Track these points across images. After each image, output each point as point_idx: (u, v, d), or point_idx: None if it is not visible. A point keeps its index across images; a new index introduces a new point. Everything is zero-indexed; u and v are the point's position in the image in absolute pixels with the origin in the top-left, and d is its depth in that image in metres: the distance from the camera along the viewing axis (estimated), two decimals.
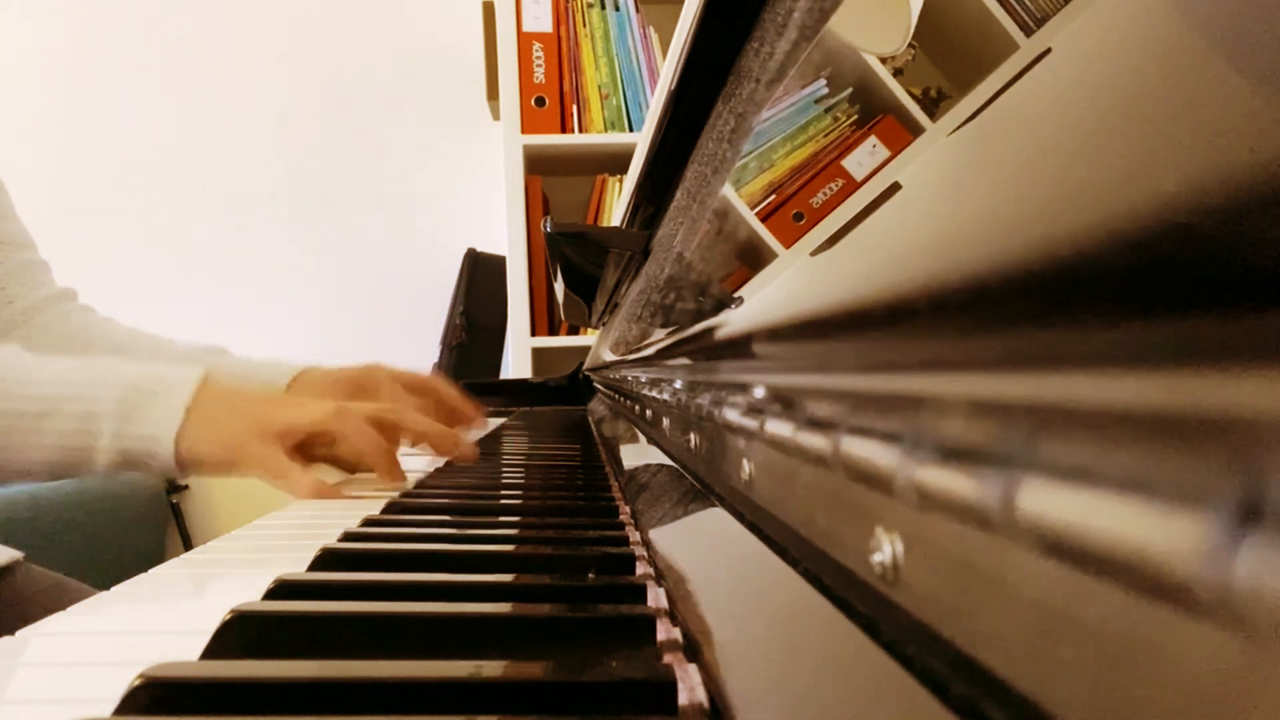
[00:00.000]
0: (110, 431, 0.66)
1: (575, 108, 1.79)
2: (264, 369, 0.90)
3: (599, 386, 1.33)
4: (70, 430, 0.66)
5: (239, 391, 0.73)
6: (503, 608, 0.30)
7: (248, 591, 0.32)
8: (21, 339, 0.91)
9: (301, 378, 0.89)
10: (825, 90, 0.29)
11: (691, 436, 0.40)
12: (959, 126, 0.18)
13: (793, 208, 0.31)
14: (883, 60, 0.24)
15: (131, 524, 2.14)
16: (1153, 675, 0.09)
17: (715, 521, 0.33)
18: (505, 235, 1.79)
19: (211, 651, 0.28)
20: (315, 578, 0.35)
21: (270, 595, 0.33)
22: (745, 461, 0.29)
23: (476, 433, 1.10)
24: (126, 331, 0.97)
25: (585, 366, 1.60)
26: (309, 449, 0.69)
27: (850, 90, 0.26)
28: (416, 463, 0.82)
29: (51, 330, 0.93)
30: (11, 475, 0.67)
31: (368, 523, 0.48)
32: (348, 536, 0.44)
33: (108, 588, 0.40)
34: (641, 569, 0.38)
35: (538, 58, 1.79)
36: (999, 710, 0.13)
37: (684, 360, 0.47)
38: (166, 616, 0.36)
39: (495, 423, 1.31)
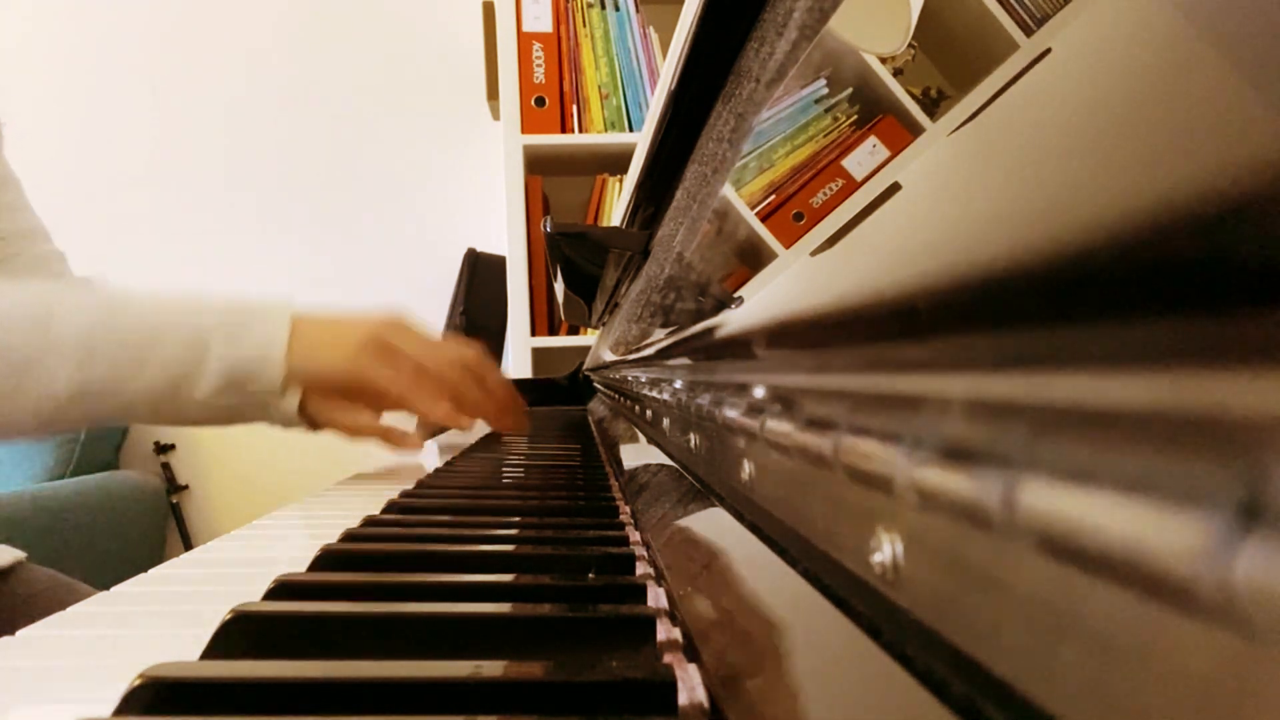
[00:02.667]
0: (218, 353, 0.67)
1: (575, 108, 1.79)
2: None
3: (599, 386, 1.33)
4: (176, 356, 0.66)
5: (340, 314, 0.73)
6: (503, 608, 0.30)
7: (248, 591, 0.32)
8: None
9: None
10: (825, 90, 0.29)
11: (691, 436, 0.40)
12: (959, 126, 0.18)
13: (793, 208, 0.31)
14: (883, 60, 0.24)
15: (131, 524, 2.15)
16: (1153, 675, 0.09)
17: (715, 521, 0.33)
18: (505, 235, 1.79)
19: (211, 651, 0.28)
20: (315, 578, 0.35)
21: (270, 595, 0.33)
22: (745, 461, 0.29)
23: (476, 433, 1.10)
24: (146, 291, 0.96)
25: (585, 366, 1.60)
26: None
27: (850, 90, 0.26)
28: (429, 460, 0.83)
29: None
30: (116, 409, 0.67)
31: (368, 522, 0.48)
32: (348, 536, 0.44)
33: (108, 588, 0.40)
34: (641, 569, 0.38)
35: (538, 58, 1.79)
36: (999, 710, 0.13)
37: (684, 360, 0.47)
38: (166, 616, 0.36)
39: None
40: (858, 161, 0.25)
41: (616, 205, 1.37)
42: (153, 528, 2.26)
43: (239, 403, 0.70)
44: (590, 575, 0.36)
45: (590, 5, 1.83)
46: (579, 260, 0.84)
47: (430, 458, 0.93)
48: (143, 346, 0.66)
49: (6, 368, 0.63)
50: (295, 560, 0.40)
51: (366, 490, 0.71)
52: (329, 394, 0.73)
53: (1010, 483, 0.12)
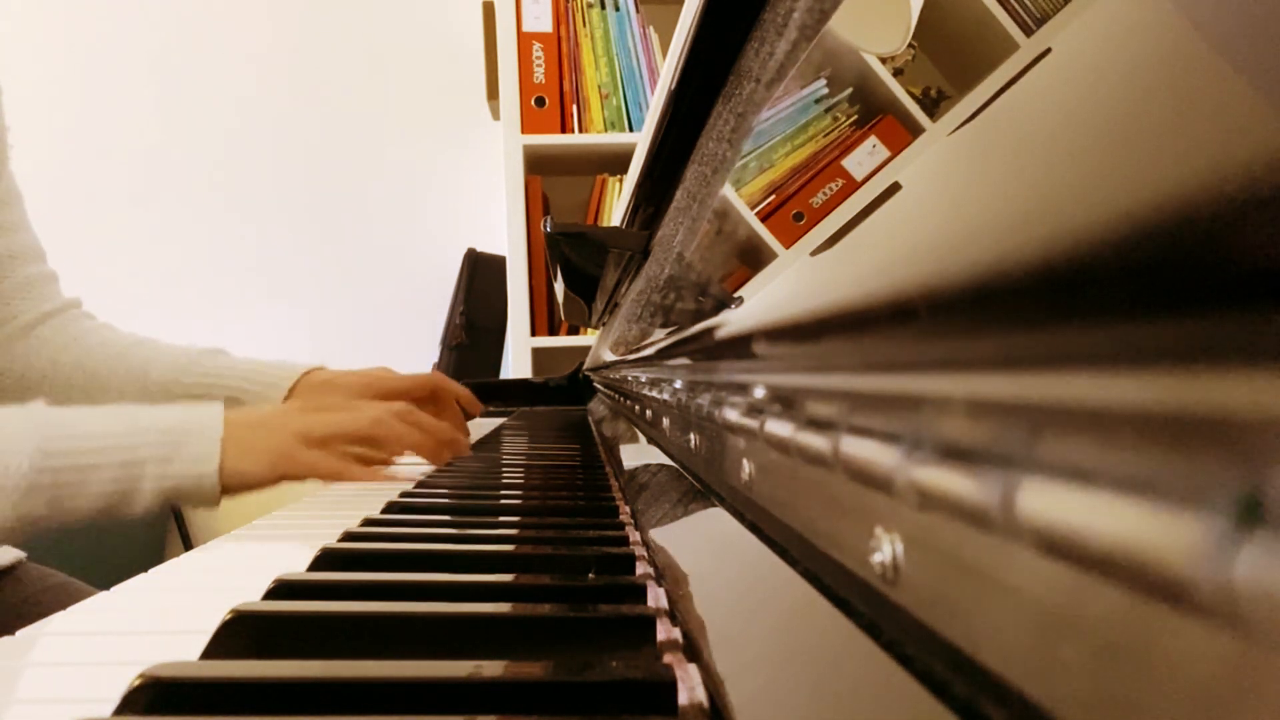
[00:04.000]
0: (153, 474, 0.72)
1: (575, 108, 1.79)
2: (270, 369, 0.92)
3: (599, 386, 1.33)
4: (113, 478, 0.71)
5: (265, 412, 0.79)
6: (503, 608, 0.30)
7: (249, 591, 0.32)
8: (21, 354, 0.91)
9: (307, 379, 0.91)
10: (825, 90, 0.29)
11: (691, 436, 0.40)
12: (959, 126, 0.18)
13: (793, 208, 0.31)
14: (883, 60, 0.24)
15: (131, 524, 2.14)
16: (1153, 675, 0.09)
17: (715, 521, 0.33)
18: (505, 235, 1.79)
19: (211, 651, 0.28)
20: (315, 577, 0.35)
21: (270, 595, 0.33)
22: (745, 461, 0.29)
23: (476, 434, 1.10)
24: (124, 337, 0.98)
25: (585, 366, 1.60)
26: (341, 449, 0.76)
27: (850, 90, 0.26)
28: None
29: (50, 342, 0.93)
30: (57, 524, 0.71)
31: (368, 522, 0.48)
32: (348, 536, 0.44)
33: (108, 588, 0.40)
34: (641, 569, 0.38)
35: (538, 58, 1.79)
36: (999, 710, 0.13)
37: (684, 360, 0.47)
38: (167, 616, 0.36)
39: (495, 423, 1.31)
40: (858, 161, 0.25)
41: (616, 205, 1.37)
42: (153, 528, 2.26)
43: (190, 503, 0.76)
44: (590, 575, 0.36)
45: (590, 5, 1.83)
46: (579, 260, 0.84)
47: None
48: (79, 475, 0.70)
49: None
50: (297, 559, 0.40)
51: (370, 489, 0.71)
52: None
53: (1010, 483, 0.12)
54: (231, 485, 0.74)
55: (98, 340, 0.96)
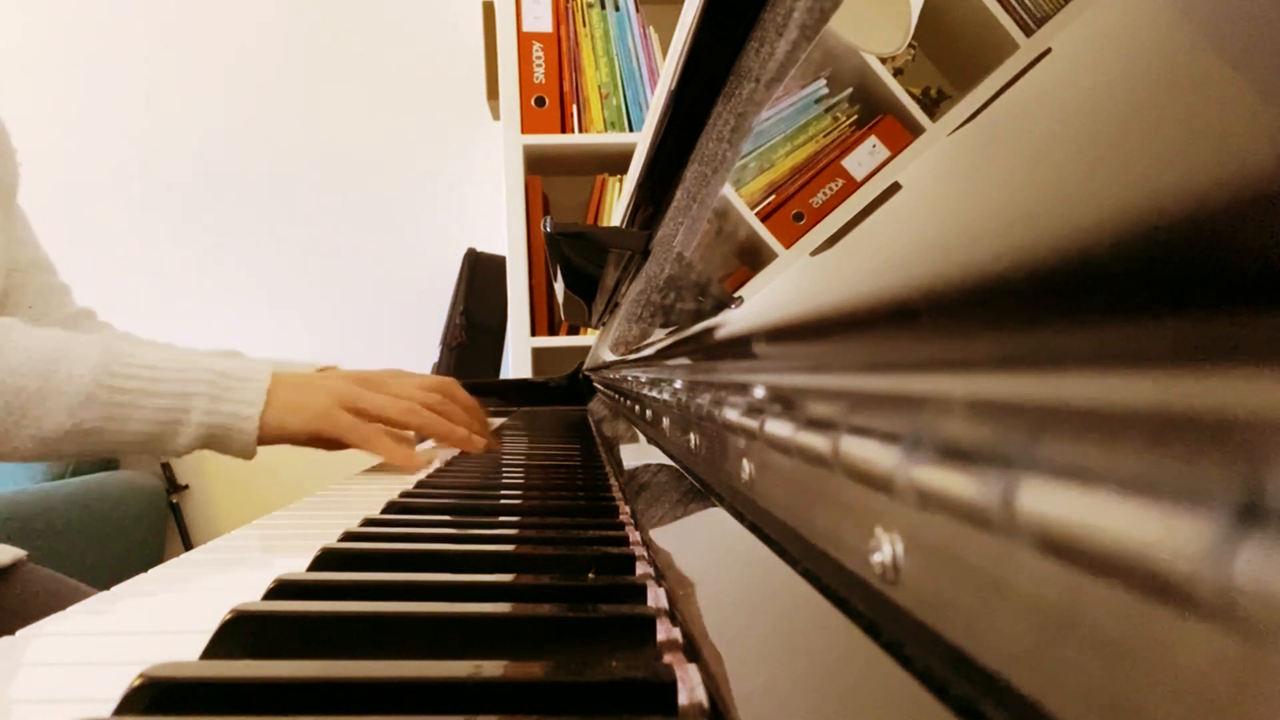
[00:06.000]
0: (200, 409, 0.77)
1: (575, 108, 1.79)
2: (285, 368, 0.94)
3: (599, 386, 1.33)
4: (165, 407, 0.76)
5: (310, 375, 0.85)
6: (503, 608, 0.30)
7: (248, 590, 0.32)
8: None
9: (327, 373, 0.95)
10: (825, 90, 0.29)
11: (691, 436, 0.40)
12: (959, 126, 0.18)
13: (793, 208, 0.31)
14: (883, 60, 0.24)
15: (131, 524, 2.14)
16: (1153, 675, 0.09)
17: (715, 521, 0.33)
18: (505, 235, 1.79)
19: (211, 651, 0.28)
20: (315, 578, 0.35)
21: (270, 595, 0.33)
22: (745, 461, 0.29)
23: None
24: (143, 344, 1.01)
25: (585, 366, 1.60)
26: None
27: (850, 90, 0.26)
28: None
29: None
30: (108, 446, 0.77)
31: (367, 522, 0.48)
32: (347, 536, 0.44)
33: (108, 588, 0.40)
34: (641, 569, 0.38)
35: (538, 58, 1.79)
36: (999, 710, 0.13)
37: (684, 360, 0.47)
38: (167, 616, 0.36)
39: (496, 423, 1.31)
40: (858, 161, 0.25)
41: (616, 205, 1.37)
42: (153, 528, 2.26)
43: (224, 447, 0.80)
44: (590, 575, 0.36)
45: (590, 5, 1.83)
46: (579, 260, 0.84)
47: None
48: (133, 399, 0.76)
49: (13, 406, 0.73)
50: (301, 553, 0.40)
51: (370, 489, 0.71)
52: (299, 443, 0.84)
53: (1010, 483, 0.12)
54: (268, 435, 0.80)
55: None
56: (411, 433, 0.90)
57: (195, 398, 0.77)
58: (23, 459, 0.76)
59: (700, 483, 0.40)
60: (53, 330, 0.77)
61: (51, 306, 1.00)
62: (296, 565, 0.38)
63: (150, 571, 0.43)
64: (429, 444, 1.00)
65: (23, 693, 0.28)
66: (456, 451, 0.92)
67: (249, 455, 0.81)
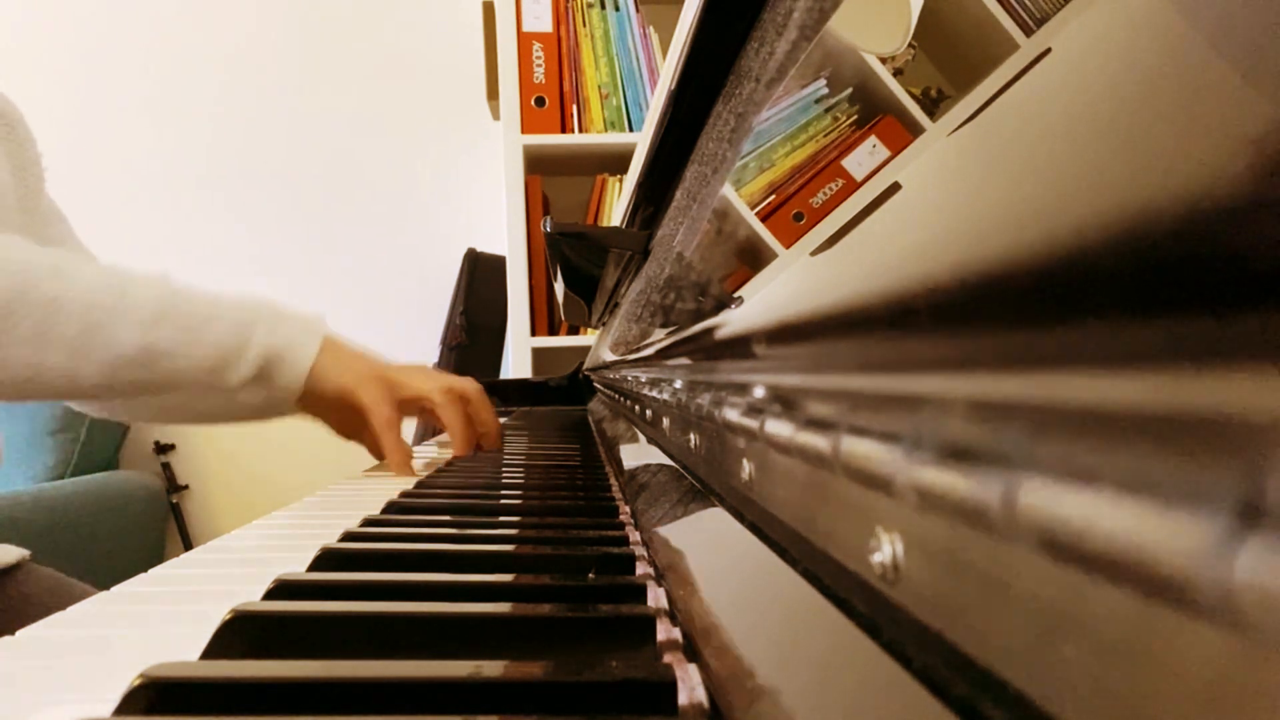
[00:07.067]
0: (261, 340, 0.78)
1: (575, 108, 1.79)
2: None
3: (599, 386, 1.33)
4: (230, 330, 0.77)
5: (356, 347, 0.86)
6: (503, 608, 0.30)
7: (249, 591, 0.32)
8: None
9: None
10: (825, 90, 0.29)
11: (691, 436, 0.40)
12: (959, 126, 0.18)
13: (793, 208, 0.31)
14: (883, 60, 0.24)
15: (131, 524, 2.14)
16: (1152, 675, 0.09)
17: (715, 521, 0.33)
18: (505, 235, 1.79)
19: (211, 651, 0.28)
20: (315, 578, 0.35)
21: (270, 595, 0.33)
22: (745, 461, 0.29)
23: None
24: None
25: (585, 366, 1.60)
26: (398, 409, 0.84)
27: (850, 90, 0.26)
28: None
29: None
30: (167, 377, 0.76)
31: (367, 522, 0.48)
32: (347, 536, 0.44)
33: (108, 588, 0.40)
34: (641, 569, 0.38)
35: (538, 58, 1.79)
36: (999, 710, 0.13)
37: (684, 360, 0.47)
38: (166, 616, 0.36)
39: None
40: (858, 161, 0.25)
41: (616, 205, 1.37)
42: (153, 528, 2.26)
43: (257, 401, 0.81)
44: (590, 575, 0.36)
45: (590, 5, 1.83)
46: (579, 260, 0.84)
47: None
48: (200, 322, 0.76)
49: (84, 324, 0.71)
50: (301, 553, 0.40)
51: (369, 489, 0.71)
52: (328, 406, 0.86)
53: (1010, 483, 0.12)
54: (312, 381, 0.80)
55: None
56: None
57: (258, 323, 0.78)
58: (83, 391, 0.73)
59: (700, 483, 0.40)
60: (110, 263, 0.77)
61: None
62: (296, 565, 0.38)
63: (150, 571, 0.43)
64: (429, 444, 1.01)
65: (23, 693, 0.28)
66: (451, 453, 0.92)
67: (295, 390, 0.81)
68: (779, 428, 0.23)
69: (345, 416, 0.85)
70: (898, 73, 0.23)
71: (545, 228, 0.83)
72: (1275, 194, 0.08)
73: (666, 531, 0.40)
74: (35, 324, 0.69)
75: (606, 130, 1.79)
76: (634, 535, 0.45)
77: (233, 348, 0.77)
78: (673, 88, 0.48)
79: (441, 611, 0.29)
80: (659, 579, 0.35)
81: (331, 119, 2.49)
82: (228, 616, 0.28)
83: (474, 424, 0.89)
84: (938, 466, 0.14)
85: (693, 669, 0.25)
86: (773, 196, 0.33)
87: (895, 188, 0.21)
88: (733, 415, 0.29)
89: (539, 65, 1.78)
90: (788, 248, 0.31)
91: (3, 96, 0.92)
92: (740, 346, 0.31)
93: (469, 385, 0.90)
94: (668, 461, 0.51)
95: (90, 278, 0.72)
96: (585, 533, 0.46)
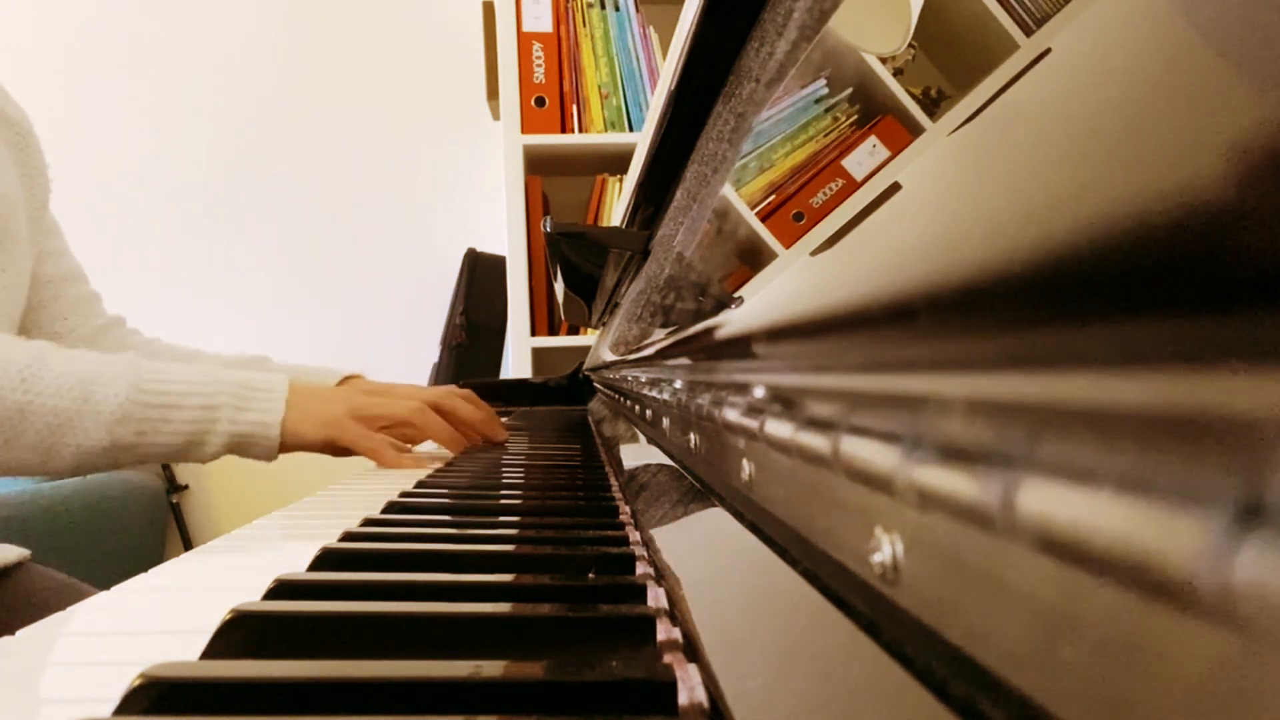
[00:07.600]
0: (226, 419, 0.83)
1: (575, 108, 1.79)
2: (313, 374, 1.02)
3: (599, 386, 1.33)
4: (193, 419, 0.82)
5: (324, 388, 0.91)
6: (503, 608, 0.30)
7: (249, 591, 0.32)
8: None
9: (346, 383, 1.01)
10: (825, 90, 0.29)
11: (691, 436, 0.40)
12: (959, 126, 0.18)
13: (793, 208, 0.31)
14: (883, 60, 0.24)
15: (131, 524, 2.14)
16: (1152, 675, 0.09)
17: (715, 521, 0.33)
18: (505, 235, 1.79)
19: (211, 651, 0.28)
20: (315, 577, 0.35)
21: (270, 595, 0.33)
22: (745, 461, 0.29)
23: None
24: (171, 348, 1.09)
25: (585, 366, 1.60)
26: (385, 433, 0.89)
27: (850, 90, 0.26)
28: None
29: (107, 353, 0.98)
30: (140, 458, 0.82)
31: (367, 522, 0.48)
32: (348, 536, 0.44)
33: (108, 588, 0.40)
34: (641, 569, 0.38)
35: (538, 58, 1.79)
36: (999, 710, 0.13)
37: (684, 360, 0.47)
38: (167, 616, 0.36)
39: None
40: (858, 161, 0.25)
41: (616, 205, 1.37)
42: (153, 528, 2.26)
43: (248, 452, 0.86)
44: (590, 575, 0.36)
45: (590, 5, 1.83)
46: (579, 260, 0.84)
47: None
48: (164, 413, 0.81)
49: (54, 426, 0.77)
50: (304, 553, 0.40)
51: (370, 489, 0.71)
52: (311, 449, 0.90)
53: (1010, 483, 0.12)
54: (288, 442, 0.85)
55: (149, 352, 1.03)
56: (411, 446, 0.97)
57: (221, 409, 0.82)
58: (60, 475, 0.80)
59: (700, 483, 0.40)
60: (84, 352, 0.81)
61: (85, 317, 1.04)
62: (297, 565, 0.38)
63: (150, 571, 0.43)
64: (429, 445, 1.02)
65: (23, 693, 0.28)
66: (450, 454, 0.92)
67: (271, 459, 0.87)
68: (779, 428, 0.23)
69: (335, 450, 0.89)
70: (898, 73, 0.23)
71: (545, 228, 0.83)
72: (1275, 194, 0.08)
73: (666, 531, 0.40)
74: (3, 432, 0.76)
75: (606, 130, 1.79)
76: (634, 535, 0.45)
77: (197, 434, 0.82)
78: (673, 88, 0.48)
79: (441, 611, 0.29)
80: (659, 579, 0.35)
81: (331, 119, 2.49)
82: (227, 616, 0.28)
83: (459, 427, 0.93)
84: (937, 466, 0.14)
85: (693, 669, 0.25)
86: (773, 196, 0.33)
87: (895, 188, 0.21)
88: (733, 415, 0.29)
89: (539, 65, 1.78)
90: (788, 248, 0.31)
91: (16, 105, 0.94)
92: (740, 346, 0.31)
93: (441, 394, 0.94)
94: (668, 461, 0.51)
95: (56, 381, 0.78)
96: (585, 533, 0.46)
